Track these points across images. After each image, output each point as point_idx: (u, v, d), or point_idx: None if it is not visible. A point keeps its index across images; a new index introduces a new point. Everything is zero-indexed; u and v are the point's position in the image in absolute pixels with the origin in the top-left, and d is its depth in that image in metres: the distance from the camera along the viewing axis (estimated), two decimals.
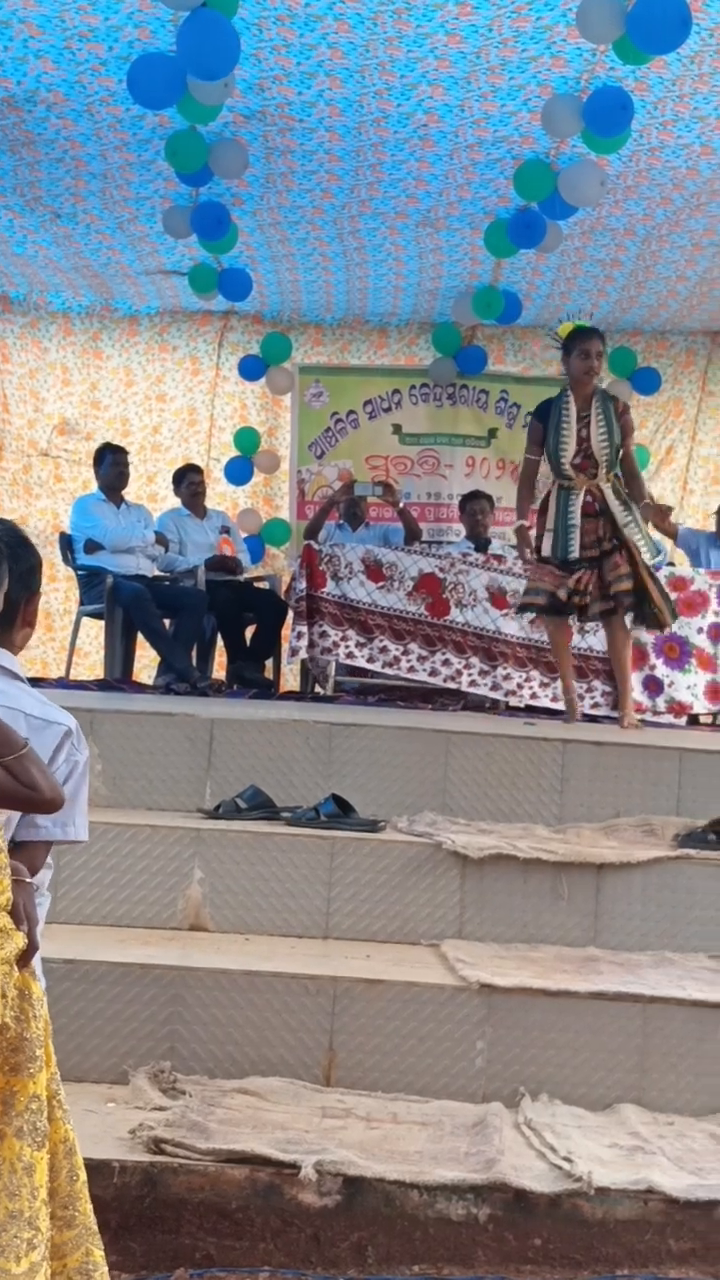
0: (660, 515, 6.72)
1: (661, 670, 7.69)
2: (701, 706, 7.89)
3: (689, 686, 7.75)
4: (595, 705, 7.51)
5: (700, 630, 7.79)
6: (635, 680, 7.45)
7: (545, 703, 7.60)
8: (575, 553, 6.41)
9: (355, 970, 3.98)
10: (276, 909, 4.42)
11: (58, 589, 10.33)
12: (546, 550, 6.55)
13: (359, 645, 7.62)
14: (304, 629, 7.61)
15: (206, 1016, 3.79)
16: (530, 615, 7.17)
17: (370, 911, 4.43)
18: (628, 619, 6.60)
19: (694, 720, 8.00)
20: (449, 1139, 3.47)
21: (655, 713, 7.62)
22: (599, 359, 6.56)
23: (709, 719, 8.29)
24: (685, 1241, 3.18)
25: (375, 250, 9.18)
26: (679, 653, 7.74)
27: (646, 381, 10.41)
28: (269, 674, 8.65)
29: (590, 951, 4.36)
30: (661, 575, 6.84)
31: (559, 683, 7.28)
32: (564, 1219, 3.18)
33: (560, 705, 7.50)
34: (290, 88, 6.78)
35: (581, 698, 7.20)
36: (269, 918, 4.41)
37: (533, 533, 6.79)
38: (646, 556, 6.43)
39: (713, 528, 9.03)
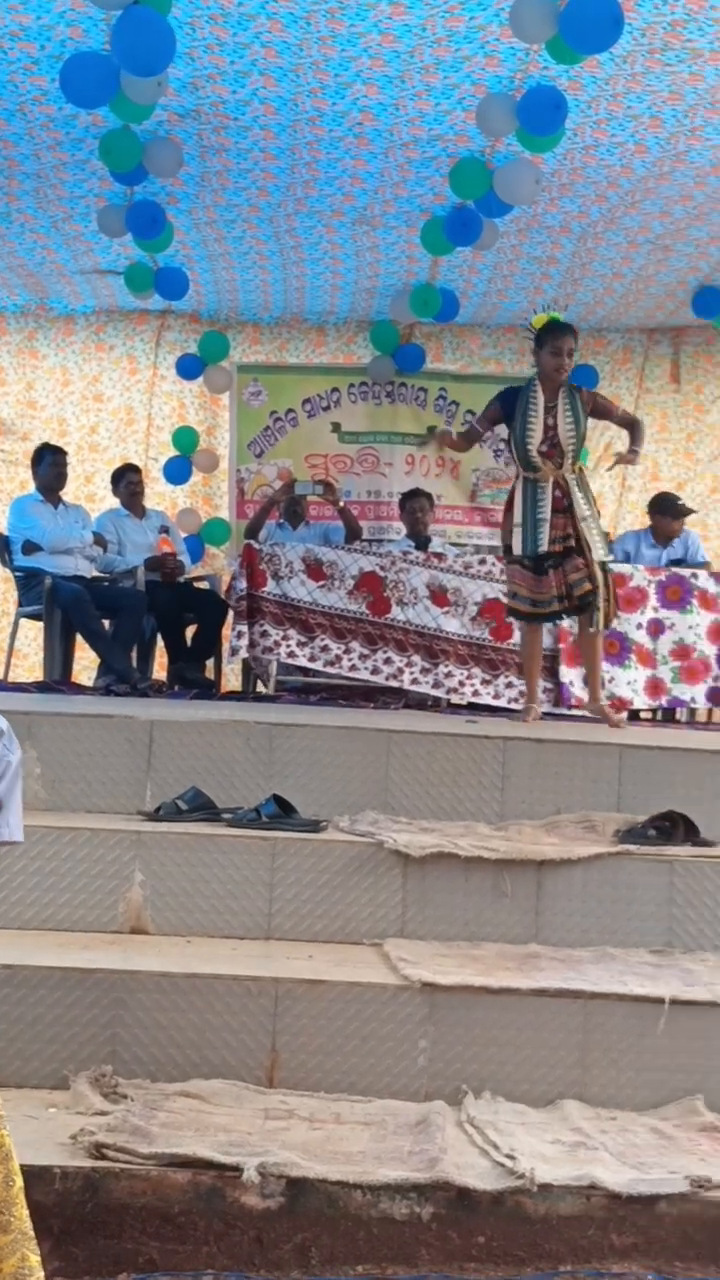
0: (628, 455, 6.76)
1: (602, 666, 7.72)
2: (641, 702, 7.93)
3: (629, 682, 7.79)
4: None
5: (639, 626, 7.84)
6: (575, 676, 7.49)
7: (487, 700, 7.62)
8: (544, 546, 6.44)
9: (297, 971, 3.97)
10: (218, 910, 4.40)
11: None
12: (517, 548, 6.57)
13: (300, 645, 7.61)
14: (245, 629, 7.58)
15: (148, 1020, 3.77)
16: (492, 624, 7.22)
17: (312, 912, 4.42)
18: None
19: (634, 716, 8.03)
20: (392, 1138, 3.47)
21: None
22: (570, 356, 6.52)
23: (649, 715, 8.34)
24: (627, 1236, 3.19)
25: (312, 249, 9.17)
26: (619, 648, 7.78)
27: (583, 378, 10.33)
28: (210, 674, 8.63)
29: (532, 948, 4.37)
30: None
31: (500, 679, 7.30)
32: (507, 1216, 3.18)
33: (500, 702, 7.54)
34: (224, 86, 6.76)
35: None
36: (210, 919, 4.39)
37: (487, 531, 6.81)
38: (600, 554, 6.48)
39: (643, 525, 9.06)
